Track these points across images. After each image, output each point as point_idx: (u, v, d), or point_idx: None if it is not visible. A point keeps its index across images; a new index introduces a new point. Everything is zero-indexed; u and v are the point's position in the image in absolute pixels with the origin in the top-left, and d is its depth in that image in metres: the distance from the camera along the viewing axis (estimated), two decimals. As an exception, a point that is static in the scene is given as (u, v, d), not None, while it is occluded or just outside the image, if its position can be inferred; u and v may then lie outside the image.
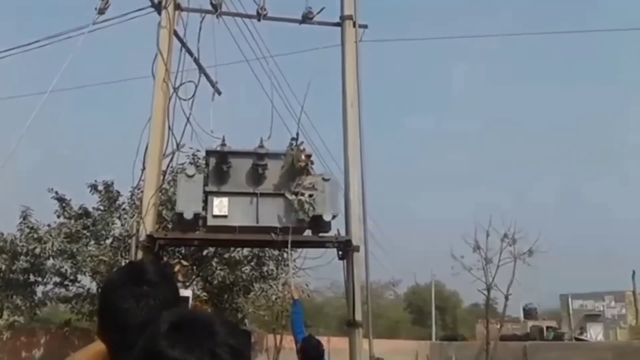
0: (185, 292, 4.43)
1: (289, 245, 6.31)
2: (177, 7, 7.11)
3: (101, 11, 6.83)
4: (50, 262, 14.82)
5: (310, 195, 6.27)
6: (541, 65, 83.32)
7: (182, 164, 11.76)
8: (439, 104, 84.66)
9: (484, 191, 74.17)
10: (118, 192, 15.85)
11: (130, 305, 1.60)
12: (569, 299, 36.47)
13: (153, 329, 1.21)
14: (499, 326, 27.32)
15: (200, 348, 1.14)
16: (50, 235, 14.84)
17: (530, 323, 35.36)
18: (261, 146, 6.46)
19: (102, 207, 16.08)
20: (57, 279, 15.63)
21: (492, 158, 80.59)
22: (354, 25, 7.31)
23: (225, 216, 6.32)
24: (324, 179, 6.56)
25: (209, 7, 7.25)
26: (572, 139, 78.56)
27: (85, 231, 15.76)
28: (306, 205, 6.22)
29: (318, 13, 7.34)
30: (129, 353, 1.58)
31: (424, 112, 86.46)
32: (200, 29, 7.05)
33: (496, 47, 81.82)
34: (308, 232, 6.71)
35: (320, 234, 6.68)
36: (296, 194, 6.27)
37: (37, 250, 14.51)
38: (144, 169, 6.47)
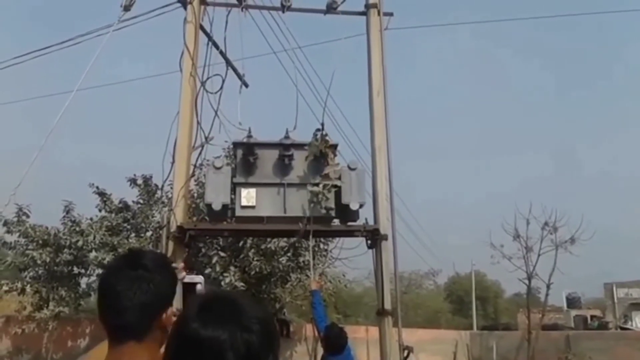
0: (196, 278, 4.54)
1: (310, 235, 6.35)
2: (203, 1, 7.18)
3: (127, 8, 6.93)
4: (92, 254, 15.19)
5: (325, 186, 6.29)
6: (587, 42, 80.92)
7: (218, 157, 11.93)
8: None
9: (522, 176, 72.84)
10: (156, 185, 16.15)
11: (124, 287, 1.67)
12: (614, 288, 35.50)
13: (183, 313, 1.29)
14: (540, 315, 26.82)
15: (230, 324, 1.21)
16: (92, 228, 15.25)
17: (573, 312, 34.54)
18: (287, 137, 6.50)
19: (141, 201, 16.46)
20: (100, 271, 16.03)
21: (534, 139, 79.13)
22: (379, 14, 7.28)
23: (253, 207, 6.40)
24: (350, 168, 6.57)
25: (234, 1, 7.30)
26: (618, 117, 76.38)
27: (125, 224, 16.18)
28: (320, 196, 6.24)
29: (342, 2, 7.32)
30: (125, 333, 1.65)
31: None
32: (226, 22, 7.14)
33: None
34: (337, 222, 6.75)
35: (348, 223, 6.71)
36: (317, 184, 6.31)
37: (80, 243, 14.93)
38: (173, 162, 6.59)
